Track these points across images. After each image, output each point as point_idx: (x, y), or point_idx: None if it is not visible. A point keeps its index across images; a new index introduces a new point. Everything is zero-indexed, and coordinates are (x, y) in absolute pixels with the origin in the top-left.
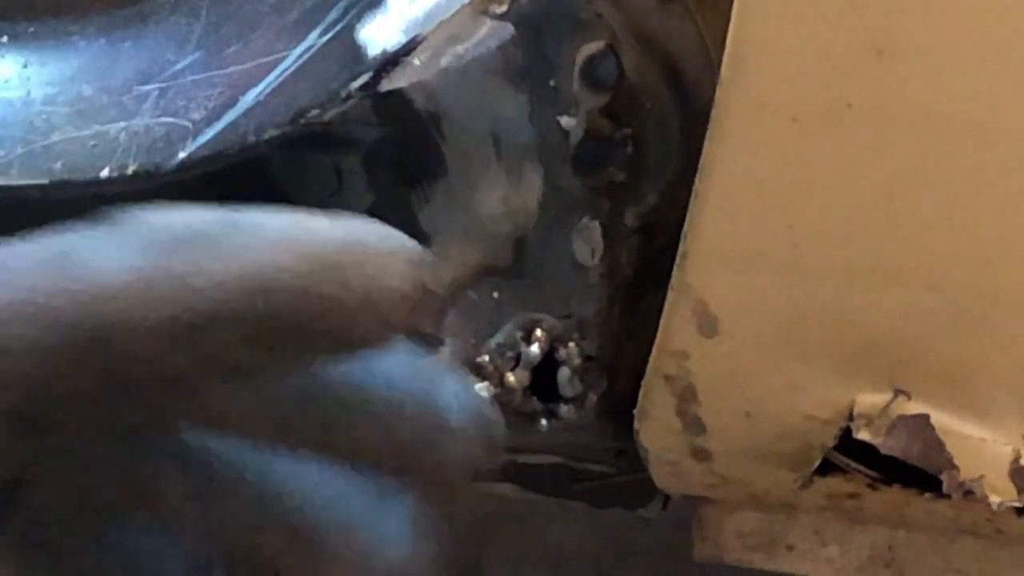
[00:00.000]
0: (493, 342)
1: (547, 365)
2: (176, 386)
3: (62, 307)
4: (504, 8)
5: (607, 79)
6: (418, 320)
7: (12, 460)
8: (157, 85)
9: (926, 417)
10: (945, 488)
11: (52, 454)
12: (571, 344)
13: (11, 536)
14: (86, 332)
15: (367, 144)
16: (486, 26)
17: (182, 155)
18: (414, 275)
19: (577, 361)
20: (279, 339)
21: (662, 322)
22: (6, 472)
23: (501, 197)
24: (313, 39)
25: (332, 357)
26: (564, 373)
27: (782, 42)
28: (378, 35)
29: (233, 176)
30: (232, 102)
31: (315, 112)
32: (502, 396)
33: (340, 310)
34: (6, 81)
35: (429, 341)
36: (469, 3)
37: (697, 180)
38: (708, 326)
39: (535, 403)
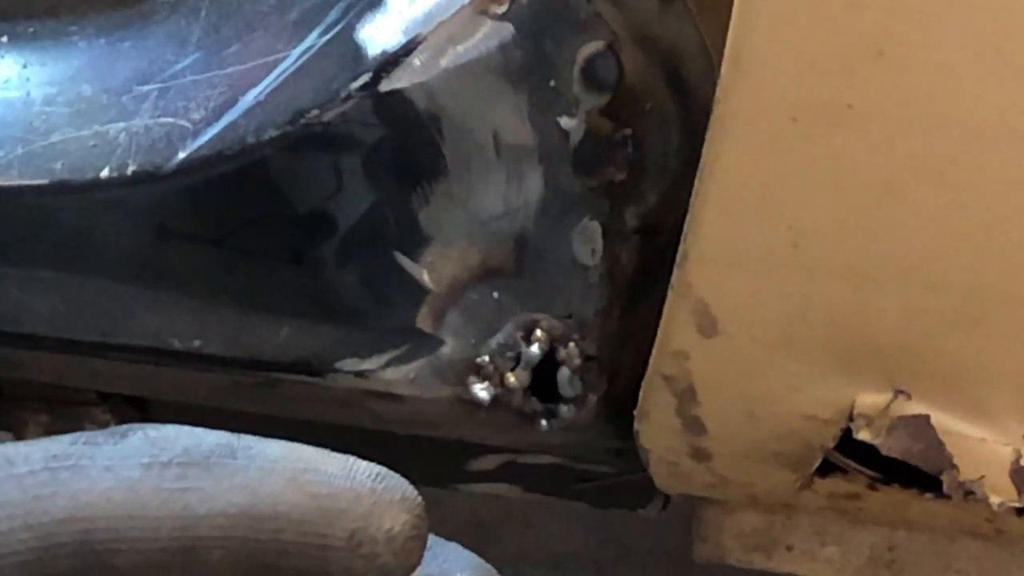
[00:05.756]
0: (493, 342)
1: (547, 365)
2: None
3: (53, 507)
4: (504, 8)
5: (607, 79)
6: (413, 559)
7: None
8: (157, 85)
9: (926, 417)
10: (945, 488)
11: None
12: (571, 344)
13: None
14: (72, 535)
15: (367, 144)
16: (486, 26)
17: (182, 155)
18: (409, 517)
19: (577, 361)
20: (262, 567)
21: (662, 322)
22: None
23: (501, 197)
24: (313, 39)
25: None
26: (564, 373)
27: (782, 42)
28: (378, 35)
29: (233, 176)
30: (232, 102)
31: (315, 112)
32: (502, 396)
33: (325, 546)
34: (6, 81)
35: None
36: (469, 3)
37: (697, 180)
38: (708, 326)
39: (535, 403)
